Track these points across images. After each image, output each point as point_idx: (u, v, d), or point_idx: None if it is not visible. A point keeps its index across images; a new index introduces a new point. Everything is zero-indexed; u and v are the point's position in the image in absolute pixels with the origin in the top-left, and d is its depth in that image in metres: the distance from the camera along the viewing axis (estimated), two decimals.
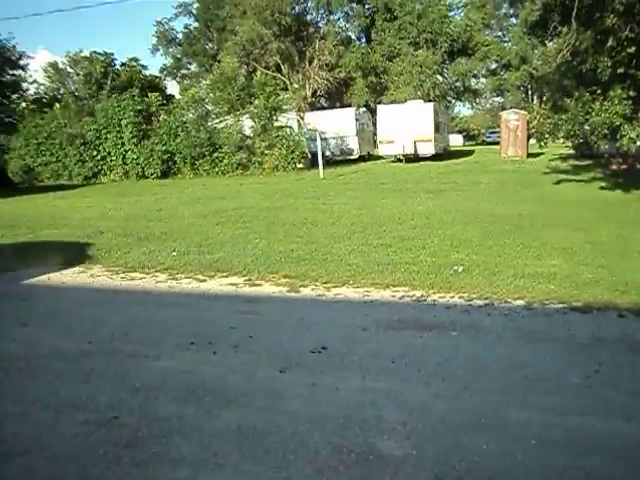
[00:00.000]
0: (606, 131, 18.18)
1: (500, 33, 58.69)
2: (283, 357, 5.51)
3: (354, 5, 51.00)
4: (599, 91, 19.75)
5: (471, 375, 4.94)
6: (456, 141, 61.42)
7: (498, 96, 68.43)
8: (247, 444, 3.99)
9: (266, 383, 5.00)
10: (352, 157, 35.16)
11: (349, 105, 43.86)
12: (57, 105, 35.64)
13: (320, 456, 3.79)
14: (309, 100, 50.54)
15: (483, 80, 60.75)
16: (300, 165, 30.59)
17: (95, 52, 41.91)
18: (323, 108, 47.21)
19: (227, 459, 3.83)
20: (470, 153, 39.50)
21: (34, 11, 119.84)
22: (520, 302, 6.95)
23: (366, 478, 3.58)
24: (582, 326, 6.06)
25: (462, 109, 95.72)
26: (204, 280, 8.94)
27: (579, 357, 5.28)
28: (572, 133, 19.46)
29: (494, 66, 57.18)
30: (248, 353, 5.72)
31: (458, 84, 54.91)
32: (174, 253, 10.77)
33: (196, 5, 56.48)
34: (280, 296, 7.89)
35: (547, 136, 20.31)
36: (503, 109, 46.90)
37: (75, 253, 11.19)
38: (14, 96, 38.83)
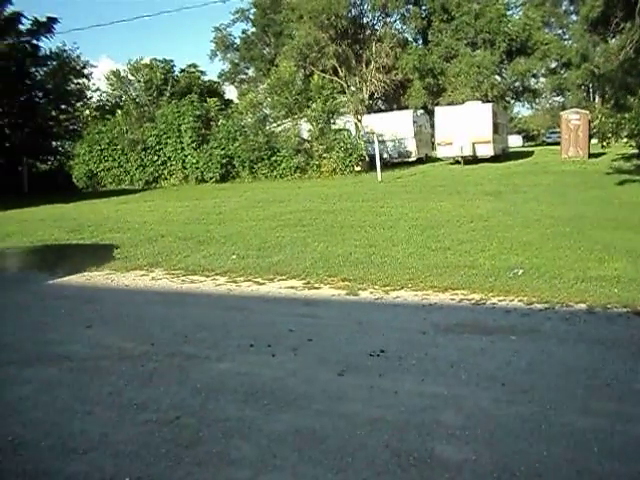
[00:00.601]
0: None
1: (560, 31, 58.01)
2: (342, 360, 5.52)
3: (410, 7, 50.82)
4: None
5: (531, 380, 4.87)
6: (515, 142, 60.60)
7: (558, 96, 67.50)
8: (305, 446, 4.02)
9: (325, 386, 5.02)
10: (410, 159, 35.12)
11: (406, 107, 43.77)
12: (119, 112, 36.49)
13: (378, 459, 3.79)
14: (366, 103, 50.63)
15: (543, 79, 60.04)
16: (358, 168, 30.58)
17: (155, 59, 42.98)
18: (380, 110, 47.35)
19: (286, 461, 3.86)
20: (530, 154, 38.90)
21: (97, 22, 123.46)
22: (582, 306, 6.79)
23: None
24: None
25: (521, 109, 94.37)
26: (263, 283, 9.01)
27: None
28: (636, 132, 18.99)
29: (554, 65, 56.40)
30: (307, 356, 5.76)
31: (517, 84, 54.29)
32: (233, 256, 10.89)
33: (253, 11, 57.19)
34: (339, 299, 7.91)
35: (610, 136, 19.84)
36: (563, 109, 46.12)
37: (136, 256, 11.45)
38: (78, 104, 39.92)
